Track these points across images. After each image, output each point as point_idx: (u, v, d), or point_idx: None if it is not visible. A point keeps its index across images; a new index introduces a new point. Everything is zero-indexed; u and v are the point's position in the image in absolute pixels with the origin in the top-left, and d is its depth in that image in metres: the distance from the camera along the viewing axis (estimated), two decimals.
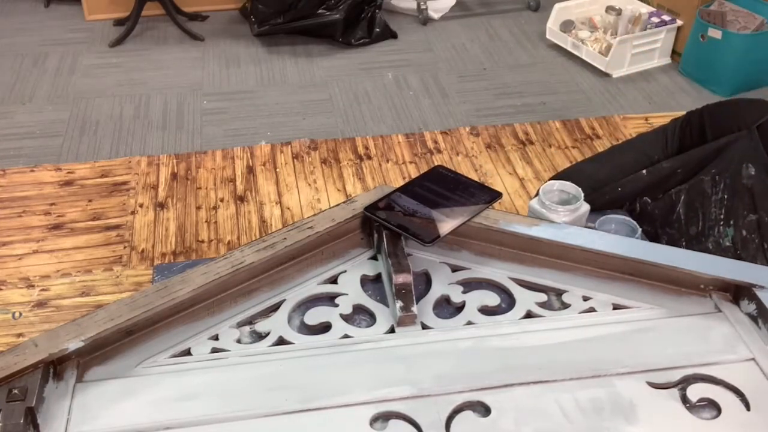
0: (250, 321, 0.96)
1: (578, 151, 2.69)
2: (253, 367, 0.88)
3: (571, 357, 0.89)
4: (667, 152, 1.72)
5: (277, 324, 0.94)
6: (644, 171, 1.69)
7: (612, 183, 1.71)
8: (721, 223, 1.61)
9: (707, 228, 1.63)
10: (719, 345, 0.91)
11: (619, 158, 1.81)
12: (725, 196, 1.60)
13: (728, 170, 1.59)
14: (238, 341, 0.93)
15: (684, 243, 1.66)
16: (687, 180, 1.66)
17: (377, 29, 3.43)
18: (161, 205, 2.45)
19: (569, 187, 1.22)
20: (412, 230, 1.00)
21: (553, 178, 1.92)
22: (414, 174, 2.56)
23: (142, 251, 2.26)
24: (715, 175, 1.60)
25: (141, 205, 2.45)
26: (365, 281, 1.02)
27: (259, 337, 0.94)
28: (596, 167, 1.85)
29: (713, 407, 0.84)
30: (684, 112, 1.77)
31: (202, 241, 2.31)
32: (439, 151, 2.70)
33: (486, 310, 0.97)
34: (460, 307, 0.97)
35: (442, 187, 1.08)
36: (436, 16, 3.64)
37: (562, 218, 1.17)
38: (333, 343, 0.92)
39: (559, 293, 0.99)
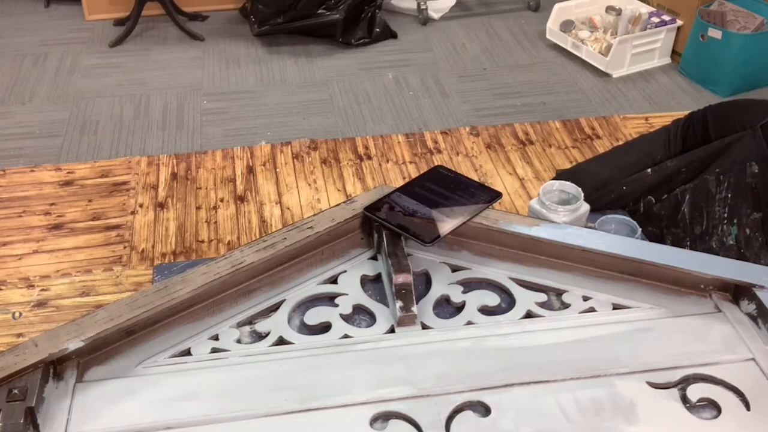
0: (250, 321, 0.96)
1: (578, 151, 2.69)
2: (253, 367, 0.88)
3: (571, 357, 0.89)
4: (670, 152, 1.73)
5: (277, 324, 0.94)
6: (649, 170, 1.69)
7: (616, 182, 1.72)
8: (725, 221, 1.61)
9: (711, 227, 1.63)
10: (719, 345, 0.91)
11: (622, 158, 1.81)
12: (729, 195, 1.60)
13: (732, 169, 1.59)
14: (238, 341, 0.93)
15: (689, 242, 1.67)
16: (691, 179, 1.66)
17: (377, 29, 3.43)
18: (161, 205, 2.45)
19: (569, 187, 1.22)
20: (412, 230, 1.00)
21: (558, 176, 1.92)
22: (414, 174, 2.56)
23: (142, 251, 2.26)
24: (720, 174, 1.61)
25: (141, 205, 2.45)
26: (365, 281, 1.02)
27: (259, 337, 0.94)
28: (600, 166, 1.86)
29: (713, 407, 0.84)
30: (684, 112, 1.78)
31: (202, 241, 2.31)
32: (439, 151, 2.70)
33: (486, 310, 0.97)
34: (460, 307, 0.97)
35: (442, 187, 1.08)
36: (436, 16, 3.64)
37: (562, 218, 1.17)
38: (333, 343, 0.92)
39: (559, 293, 0.99)
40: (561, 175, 1.98)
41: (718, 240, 1.63)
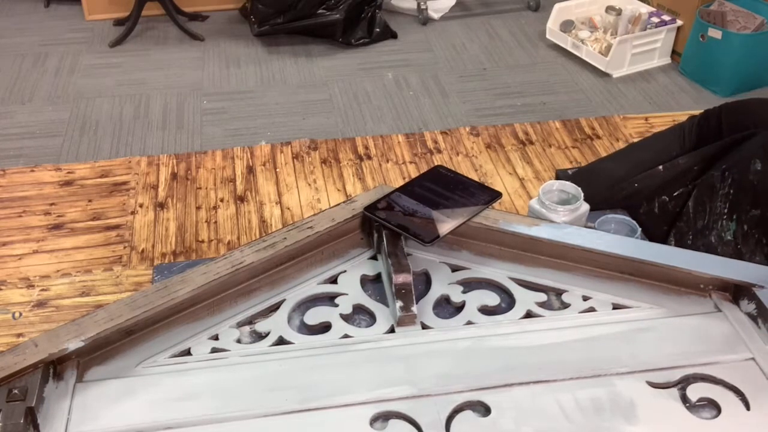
0: (250, 321, 0.96)
1: (578, 151, 2.69)
2: (253, 367, 0.88)
3: (571, 357, 0.89)
4: (685, 149, 1.73)
5: (277, 324, 0.94)
6: (660, 167, 1.69)
7: (629, 179, 1.71)
8: (725, 217, 1.61)
9: (712, 221, 1.63)
10: (719, 345, 0.91)
11: (637, 156, 1.81)
12: (731, 191, 1.60)
13: (737, 166, 1.59)
14: (238, 341, 0.93)
15: (691, 236, 1.67)
16: (702, 176, 1.66)
17: (377, 29, 3.43)
18: (161, 205, 2.45)
19: (569, 187, 1.22)
20: (412, 230, 1.00)
21: (570, 176, 1.92)
22: (414, 174, 2.56)
23: (142, 251, 2.26)
24: (725, 170, 1.61)
25: (141, 205, 2.45)
26: (365, 281, 1.02)
27: (259, 337, 0.94)
28: (615, 165, 1.85)
29: (713, 407, 0.84)
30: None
31: (202, 241, 2.31)
32: (439, 151, 2.70)
33: (486, 310, 0.97)
34: (460, 307, 0.97)
35: (442, 187, 1.08)
36: (436, 16, 3.64)
37: (562, 218, 1.17)
38: (333, 343, 0.92)
39: (558, 293, 0.99)
40: (576, 174, 1.97)
41: (717, 235, 1.63)
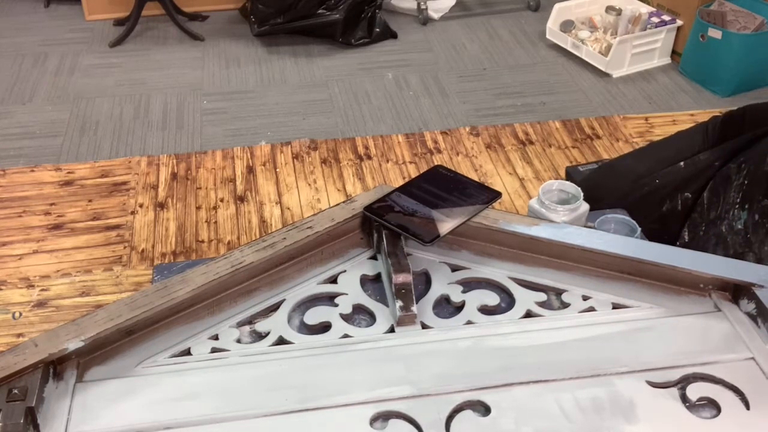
0: (250, 321, 0.96)
1: (578, 151, 2.69)
2: (253, 367, 0.88)
3: (570, 356, 0.89)
4: (707, 148, 1.74)
5: (277, 324, 0.94)
6: (681, 163, 1.69)
7: (651, 175, 1.73)
8: (737, 206, 1.62)
9: (724, 211, 1.64)
10: (719, 344, 0.91)
11: (659, 153, 1.82)
12: (745, 181, 1.61)
13: (753, 158, 1.60)
14: (238, 341, 0.93)
15: (704, 227, 1.68)
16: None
17: (377, 29, 3.43)
18: (161, 205, 2.45)
19: (569, 186, 1.22)
20: (411, 230, 1.00)
21: (587, 172, 1.92)
22: (414, 174, 2.56)
23: (142, 251, 2.27)
24: (742, 162, 1.62)
25: (141, 205, 2.45)
26: (365, 281, 1.02)
27: (259, 336, 0.94)
28: (636, 161, 1.87)
29: (713, 406, 0.84)
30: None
31: (202, 241, 2.31)
32: (439, 151, 2.70)
33: (486, 310, 0.97)
34: (459, 307, 0.97)
35: (442, 187, 1.08)
36: (436, 16, 3.64)
37: (562, 218, 1.17)
38: (333, 343, 0.92)
39: (558, 293, 0.99)
40: (596, 170, 1.97)
41: (728, 224, 1.63)
